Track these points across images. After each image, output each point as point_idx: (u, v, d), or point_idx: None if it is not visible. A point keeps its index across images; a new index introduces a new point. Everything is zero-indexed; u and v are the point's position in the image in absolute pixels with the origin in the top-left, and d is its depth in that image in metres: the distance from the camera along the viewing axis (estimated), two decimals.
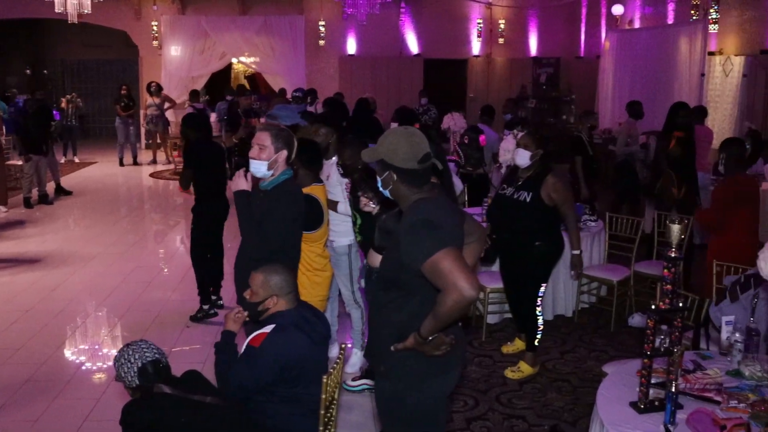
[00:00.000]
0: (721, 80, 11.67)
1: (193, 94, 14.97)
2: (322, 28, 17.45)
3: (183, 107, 15.41)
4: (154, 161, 16.01)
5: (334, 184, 5.18)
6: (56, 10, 12.98)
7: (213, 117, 13.72)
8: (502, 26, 17.95)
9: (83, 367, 5.69)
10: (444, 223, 2.84)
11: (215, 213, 6.61)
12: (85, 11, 13.24)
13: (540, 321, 5.48)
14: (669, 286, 3.12)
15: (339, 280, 5.40)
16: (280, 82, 16.96)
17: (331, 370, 3.37)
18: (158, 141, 16.29)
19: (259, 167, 4.11)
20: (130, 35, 18.00)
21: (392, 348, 2.93)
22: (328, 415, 3.41)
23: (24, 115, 11.35)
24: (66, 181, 12.96)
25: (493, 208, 5.61)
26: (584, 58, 17.21)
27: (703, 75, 11.39)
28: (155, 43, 17.64)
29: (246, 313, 3.56)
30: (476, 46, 18.08)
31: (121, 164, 15.63)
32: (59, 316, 6.70)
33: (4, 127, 13.70)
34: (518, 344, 5.87)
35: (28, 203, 11.38)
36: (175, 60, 17.31)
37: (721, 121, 11.59)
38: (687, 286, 6.52)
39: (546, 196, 5.17)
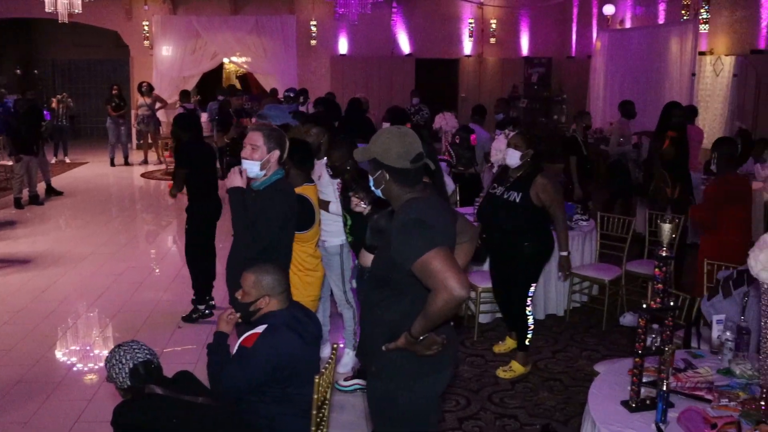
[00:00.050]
0: (711, 80, 11.72)
1: (184, 95, 14.94)
2: (313, 28, 17.43)
3: (174, 107, 15.38)
4: (145, 161, 15.96)
5: (325, 184, 5.18)
6: (47, 10, 12.92)
7: (204, 117, 13.69)
8: (493, 26, 17.97)
9: (74, 368, 5.67)
10: (435, 222, 2.84)
11: (206, 213, 6.59)
12: (76, 11, 13.19)
13: (531, 320, 5.49)
14: (660, 285, 3.13)
15: (331, 280, 5.40)
16: (271, 81, 16.95)
17: (323, 370, 3.37)
18: (149, 141, 16.24)
19: (251, 167, 4.10)
20: (121, 35, 17.94)
21: (384, 348, 2.93)
22: (320, 415, 3.40)
23: (14, 115, 11.31)
24: (57, 181, 12.92)
25: (484, 208, 5.61)
26: (575, 58, 17.25)
27: (693, 75, 11.43)
28: (146, 43, 17.59)
29: (238, 315, 3.55)
30: (468, 46, 18.10)
31: (112, 164, 15.58)
32: (50, 316, 6.67)
33: None
34: (509, 343, 5.88)
35: (18, 204, 11.33)
36: (167, 60, 17.27)
37: (712, 121, 11.63)
38: (678, 285, 6.55)
39: (535, 196, 5.16)
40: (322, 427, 3.45)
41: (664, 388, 2.98)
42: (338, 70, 17.70)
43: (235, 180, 4.08)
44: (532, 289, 5.45)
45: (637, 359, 3.14)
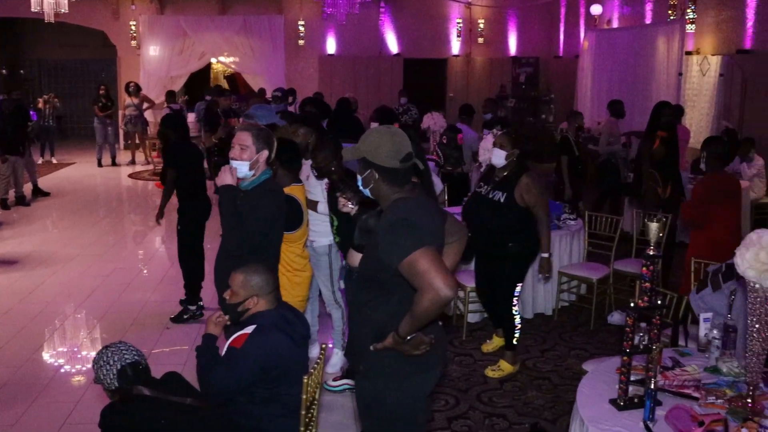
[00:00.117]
0: (698, 79, 11.77)
1: (170, 95, 14.89)
2: (301, 28, 17.42)
3: (162, 107, 15.32)
4: (132, 162, 15.90)
5: (313, 184, 5.17)
6: (32, 9, 12.86)
7: (192, 117, 13.65)
8: (481, 26, 18.00)
9: (62, 370, 5.64)
10: (423, 222, 2.84)
11: (194, 213, 6.58)
12: (62, 10, 13.12)
13: (518, 320, 5.50)
14: (648, 284, 3.14)
15: (319, 280, 5.39)
16: (259, 81, 16.90)
17: (312, 371, 3.36)
18: (137, 141, 16.18)
19: (240, 167, 4.09)
20: (108, 35, 17.86)
21: (371, 347, 2.93)
22: (309, 415, 3.40)
23: (0, 115, 11.23)
24: (43, 182, 12.85)
25: (469, 207, 5.60)
26: (563, 58, 17.30)
27: (680, 74, 11.48)
28: (134, 42, 17.52)
29: (227, 318, 3.54)
30: (456, 46, 18.13)
31: (100, 165, 15.50)
32: (37, 318, 6.63)
33: None
34: (496, 341, 5.89)
35: (4, 204, 11.26)
36: (154, 60, 17.19)
37: (699, 120, 11.69)
38: (666, 283, 6.58)
39: (519, 197, 5.15)
40: (311, 427, 3.45)
41: (652, 387, 2.99)
42: (326, 70, 17.69)
43: (226, 178, 4.06)
44: (518, 288, 5.46)
45: (625, 358, 3.15)
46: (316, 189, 5.16)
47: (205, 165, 8.51)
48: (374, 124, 6.31)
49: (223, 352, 3.38)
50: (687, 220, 6.00)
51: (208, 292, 6.65)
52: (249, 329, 3.35)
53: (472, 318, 6.42)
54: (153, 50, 17.16)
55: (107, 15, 17.49)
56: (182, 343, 6.05)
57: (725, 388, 3.30)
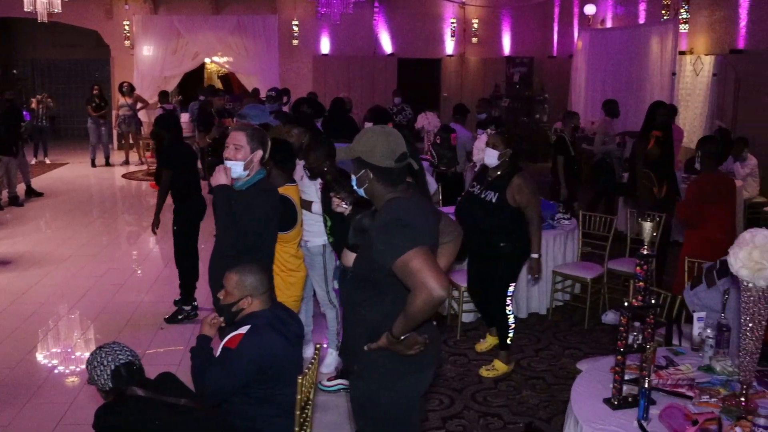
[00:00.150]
0: (691, 79, 11.80)
1: (163, 95, 14.85)
2: (295, 28, 17.39)
3: (155, 107, 15.29)
4: (126, 162, 15.86)
5: (308, 184, 5.16)
6: (25, 9, 12.80)
7: (185, 117, 13.62)
8: (475, 26, 18.00)
9: (55, 371, 5.63)
10: (416, 222, 2.84)
11: (188, 214, 6.57)
12: (55, 10, 13.08)
13: (511, 319, 5.49)
14: (642, 284, 3.15)
15: (313, 280, 5.39)
16: (253, 81, 16.87)
17: (306, 371, 3.36)
18: (131, 142, 16.13)
19: (235, 167, 4.08)
20: (101, 35, 17.79)
21: (366, 347, 2.93)
22: (304, 415, 3.40)
23: None
24: (37, 182, 12.81)
25: (462, 206, 5.59)
26: (557, 58, 17.32)
27: (674, 74, 11.52)
28: (127, 42, 17.47)
29: (222, 319, 3.53)
30: (450, 46, 18.12)
31: (93, 165, 15.46)
32: (30, 319, 6.61)
33: None
34: (490, 340, 5.89)
35: None
36: (148, 60, 17.15)
37: (692, 120, 11.72)
38: (660, 283, 6.59)
39: (511, 197, 5.15)
40: (305, 427, 3.45)
41: (646, 386, 3.00)
42: (320, 69, 17.66)
43: (220, 178, 4.05)
44: (511, 288, 5.45)
45: (619, 357, 3.16)
46: (310, 189, 5.15)
47: (199, 165, 8.47)
48: (368, 124, 6.31)
49: (218, 353, 3.37)
50: (681, 219, 6.01)
51: (202, 292, 6.63)
52: (243, 329, 3.35)
53: (466, 318, 6.42)
54: (146, 50, 17.12)
55: (100, 15, 17.44)
56: (176, 343, 6.04)
57: (719, 387, 3.31)
